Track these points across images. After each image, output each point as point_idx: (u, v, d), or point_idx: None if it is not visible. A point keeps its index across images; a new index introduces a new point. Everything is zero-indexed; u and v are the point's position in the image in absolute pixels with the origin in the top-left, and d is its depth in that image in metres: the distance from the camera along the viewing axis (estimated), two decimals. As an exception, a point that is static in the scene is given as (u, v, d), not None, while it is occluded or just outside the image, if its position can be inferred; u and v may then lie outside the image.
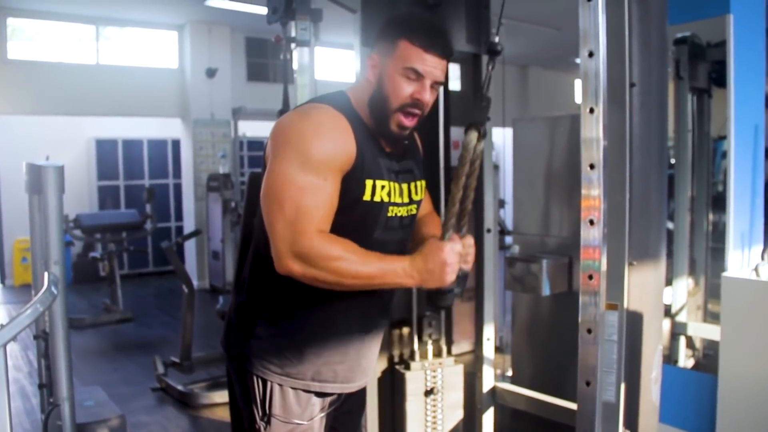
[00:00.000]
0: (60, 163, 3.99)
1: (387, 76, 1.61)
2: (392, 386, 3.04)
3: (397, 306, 3.07)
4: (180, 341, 4.78)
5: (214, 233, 8.22)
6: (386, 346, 3.05)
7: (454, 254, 1.58)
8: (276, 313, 1.70)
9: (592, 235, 1.66)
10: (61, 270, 3.76)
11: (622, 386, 1.94)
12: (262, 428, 1.68)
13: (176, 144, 9.38)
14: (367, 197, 1.61)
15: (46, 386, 3.74)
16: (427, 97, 1.63)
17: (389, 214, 1.67)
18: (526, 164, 4.07)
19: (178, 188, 9.60)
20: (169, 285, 8.71)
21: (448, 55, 1.63)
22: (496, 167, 5.24)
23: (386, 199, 1.64)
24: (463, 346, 3.19)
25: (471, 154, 1.65)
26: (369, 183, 1.60)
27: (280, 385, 1.68)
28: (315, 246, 1.51)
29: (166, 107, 8.66)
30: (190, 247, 8.80)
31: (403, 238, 1.75)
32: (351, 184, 1.58)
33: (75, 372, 5.12)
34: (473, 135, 1.65)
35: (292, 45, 2.78)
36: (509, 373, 4.34)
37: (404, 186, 1.71)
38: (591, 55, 1.64)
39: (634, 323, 2.01)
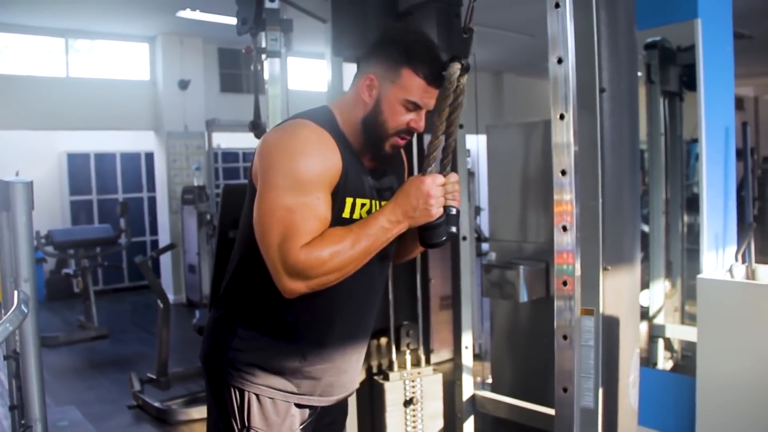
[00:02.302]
0: (29, 179, 3.91)
1: (387, 102, 1.61)
2: (371, 397, 3.02)
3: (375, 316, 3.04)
4: (156, 357, 4.71)
5: (189, 246, 8.14)
6: (365, 357, 3.02)
7: (435, 186, 1.58)
8: (255, 326, 1.69)
9: (565, 240, 1.65)
10: (32, 288, 3.68)
11: (600, 391, 1.93)
12: None
13: (150, 157, 9.29)
14: (346, 215, 1.60)
15: (18, 408, 3.66)
16: (423, 126, 1.65)
17: None
18: (501, 170, 4.07)
19: (152, 202, 9.50)
20: (145, 300, 8.60)
21: (442, 85, 1.65)
22: (471, 174, 5.24)
23: (366, 217, 1.63)
24: (441, 354, 3.17)
25: (454, 86, 1.64)
26: (349, 201, 1.60)
27: (257, 395, 1.66)
28: (302, 260, 1.50)
29: (139, 120, 8.57)
30: (165, 261, 8.70)
31: (384, 255, 1.74)
32: (333, 201, 1.58)
33: (49, 391, 5.04)
34: (456, 67, 1.62)
35: (263, 56, 2.75)
36: (489, 380, 4.33)
37: (383, 204, 1.70)
38: (560, 61, 1.64)
39: (610, 328, 2.00)
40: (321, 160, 1.54)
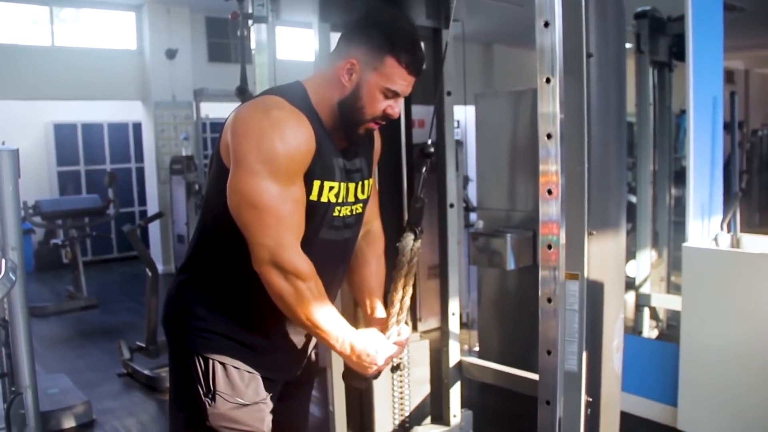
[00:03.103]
0: (14, 147, 3.89)
1: (367, 88, 1.61)
2: (359, 363, 3.04)
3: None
4: (145, 325, 4.72)
5: (178, 216, 8.11)
6: (352, 323, 3.04)
7: (386, 360, 1.68)
8: (219, 297, 1.70)
9: (550, 204, 1.66)
10: (20, 256, 3.68)
11: (584, 355, 1.96)
12: (208, 405, 1.67)
13: (137, 127, 9.21)
14: (313, 197, 1.60)
15: (7, 375, 3.67)
16: (398, 112, 1.67)
17: (335, 214, 1.67)
18: (490, 139, 4.08)
19: (140, 172, 9.44)
20: (134, 270, 8.59)
21: (421, 73, 1.67)
22: (459, 143, 5.24)
23: (333, 200, 1.65)
24: (429, 323, 3.19)
25: (408, 258, 1.72)
26: (317, 183, 1.60)
27: (222, 363, 1.68)
28: (297, 262, 1.53)
29: (126, 90, 8.48)
30: (154, 231, 8.68)
31: (348, 237, 1.76)
32: (303, 182, 1.59)
33: (39, 360, 5.05)
34: (410, 238, 1.73)
35: (249, 22, 2.71)
36: (476, 348, 4.38)
37: (351, 185, 1.71)
38: (546, 25, 1.63)
39: (595, 292, 2.02)
40: (298, 146, 1.54)
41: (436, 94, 2.97)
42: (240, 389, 1.69)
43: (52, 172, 9.34)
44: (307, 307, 1.55)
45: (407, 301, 1.75)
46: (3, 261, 2.91)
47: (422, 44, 1.66)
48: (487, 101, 4.16)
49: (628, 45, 4.29)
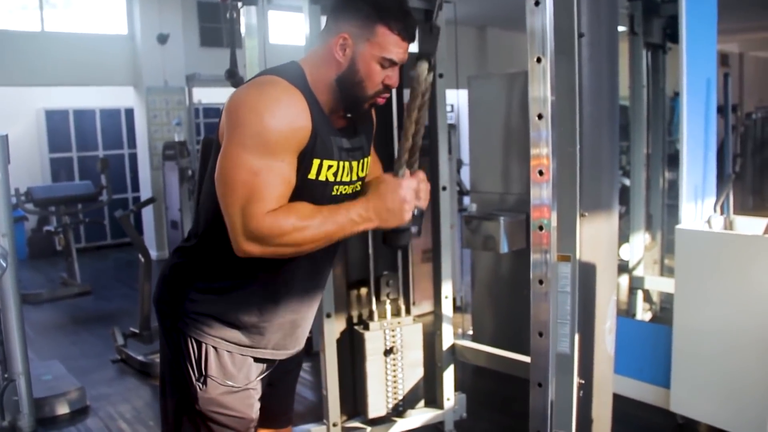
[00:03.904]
0: (3, 133, 3.87)
1: (362, 60, 1.59)
2: (351, 347, 3.05)
3: (355, 266, 3.06)
4: (139, 312, 4.71)
5: (171, 202, 8.07)
6: (344, 307, 3.05)
7: (410, 190, 1.60)
8: (213, 280, 1.68)
9: (541, 186, 1.65)
10: (11, 242, 3.68)
11: (576, 337, 1.95)
12: (198, 389, 1.66)
13: (130, 113, 9.15)
14: (312, 176, 1.58)
15: (0, 362, 3.67)
16: (397, 82, 1.63)
17: (334, 193, 1.65)
18: (483, 122, 4.07)
19: (133, 158, 9.40)
20: (128, 257, 8.57)
21: (415, 39, 1.64)
22: (452, 126, 5.22)
23: (332, 179, 1.62)
24: (423, 307, 3.19)
25: (422, 87, 1.64)
26: (316, 162, 1.58)
27: (215, 347, 1.67)
28: (265, 226, 1.49)
29: (117, 75, 8.41)
30: (148, 217, 8.65)
31: None
32: (301, 162, 1.56)
33: (33, 347, 5.05)
34: (424, 66, 1.62)
35: (239, 4, 2.69)
36: (470, 332, 4.39)
37: (354, 164, 1.69)
38: (537, 3, 1.61)
39: (587, 274, 2.02)
40: (291, 121, 1.51)
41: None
42: (232, 373, 1.69)
43: (44, 159, 9.28)
44: (308, 240, 1.52)
45: (419, 141, 1.68)
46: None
47: (411, 11, 1.63)
48: (479, 84, 4.15)
49: (621, 28, 4.27)
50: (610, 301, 2.13)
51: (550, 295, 1.70)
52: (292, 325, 1.78)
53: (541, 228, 1.66)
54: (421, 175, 1.67)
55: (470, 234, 3.59)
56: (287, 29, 9.24)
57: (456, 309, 5.16)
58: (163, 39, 8.28)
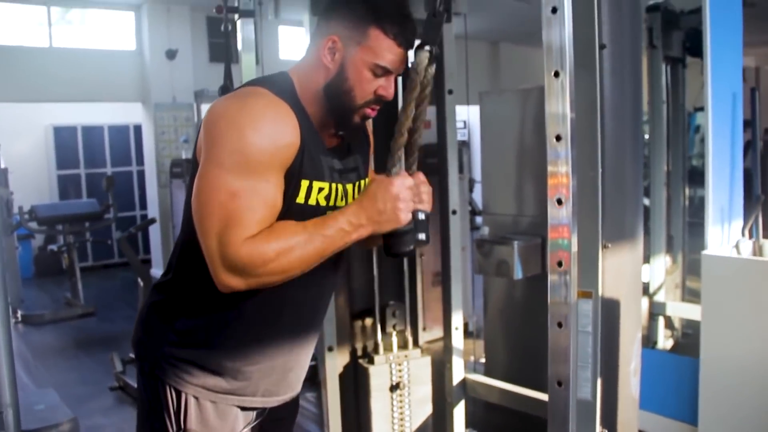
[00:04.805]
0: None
1: (352, 67, 1.41)
2: (355, 382, 2.86)
3: (359, 295, 2.88)
4: (139, 336, 4.55)
5: (179, 221, 7.91)
6: (348, 339, 2.86)
7: (405, 189, 1.39)
8: (194, 319, 1.50)
9: (560, 215, 1.46)
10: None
11: (599, 381, 1.76)
12: None
13: (138, 129, 9.04)
14: (300, 200, 1.40)
15: (-10, 392, 3.51)
16: (392, 93, 1.44)
17: None
18: (495, 140, 3.87)
19: (141, 175, 9.28)
20: (135, 276, 8.37)
21: (413, 46, 1.45)
22: (464, 144, 5.05)
23: (324, 203, 1.44)
24: (433, 332, 3.00)
25: (421, 77, 1.44)
26: (305, 184, 1.39)
27: (196, 397, 1.49)
28: (244, 255, 1.30)
29: (125, 91, 8.32)
30: (155, 236, 8.51)
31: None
32: (287, 183, 1.38)
33: (30, 372, 4.89)
34: (424, 55, 1.43)
35: (236, 16, 2.53)
36: (483, 360, 4.18)
37: (348, 187, 1.51)
38: (555, 11, 1.43)
39: (610, 311, 1.83)
40: (276, 137, 1.33)
41: (437, 93, 2.79)
42: (214, 426, 1.51)
43: (52, 176, 9.21)
44: (296, 265, 1.34)
45: (418, 139, 1.48)
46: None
47: (412, 13, 1.45)
48: (492, 100, 3.96)
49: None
50: (635, 339, 1.94)
51: (570, 339, 1.51)
52: (284, 369, 1.59)
53: (560, 264, 1.46)
54: (421, 176, 1.47)
55: (482, 259, 3.39)
56: (299, 43, 9.12)
57: (468, 334, 4.97)
58: (171, 55, 8.19)
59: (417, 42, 1.45)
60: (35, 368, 5.01)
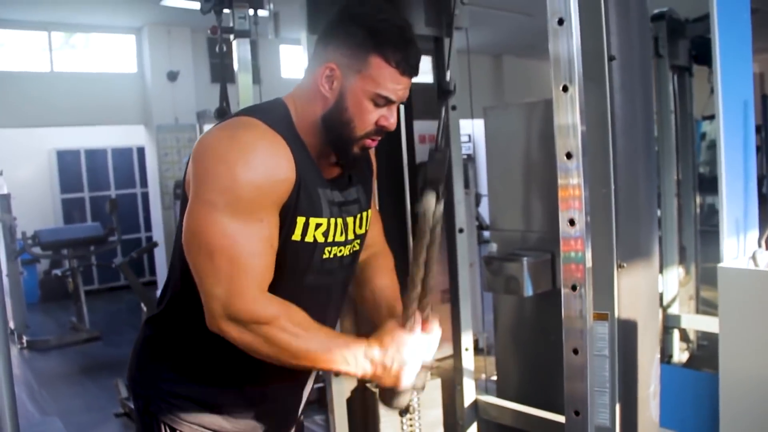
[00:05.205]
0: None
1: (352, 97, 1.33)
2: (363, 407, 2.77)
3: (366, 318, 2.79)
4: (144, 362, 4.48)
5: (183, 243, 7.89)
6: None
7: (415, 352, 1.35)
8: (189, 355, 1.45)
9: (573, 237, 1.38)
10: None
11: (617, 407, 1.68)
12: None
13: (141, 152, 9.05)
14: (296, 237, 1.33)
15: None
16: (394, 124, 1.36)
17: (326, 256, 1.39)
18: (501, 155, 3.80)
19: (146, 197, 9.26)
20: (141, 299, 8.38)
21: (417, 72, 1.37)
22: (469, 158, 4.99)
23: (320, 240, 1.37)
24: (444, 350, 2.91)
25: (431, 222, 1.37)
26: (301, 221, 1.33)
27: None
28: (254, 310, 1.26)
29: (127, 114, 8.31)
30: (161, 258, 8.46)
31: (343, 279, 1.49)
32: (283, 221, 1.31)
33: (35, 400, 4.82)
34: (431, 198, 1.37)
35: (231, 36, 2.48)
36: (494, 377, 4.09)
37: (349, 220, 1.44)
38: (561, 22, 1.36)
39: (627, 333, 1.75)
40: (269, 173, 1.26)
41: (440, 109, 2.72)
42: None
43: (56, 200, 9.20)
44: (289, 349, 1.28)
45: (431, 281, 1.42)
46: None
47: (414, 38, 1.36)
48: (496, 115, 3.90)
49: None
50: (654, 361, 1.85)
51: (587, 365, 1.43)
52: (283, 407, 1.53)
53: (574, 288, 1.39)
54: (434, 324, 1.43)
55: (491, 276, 3.31)
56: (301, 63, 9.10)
57: (479, 351, 4.87)
58: (173, 76, 8.18)
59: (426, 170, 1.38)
60: (40, 395, 4.94)
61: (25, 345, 6.54)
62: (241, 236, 1.24)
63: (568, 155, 1.37)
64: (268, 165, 1.26)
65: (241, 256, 1.24)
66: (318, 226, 1.35)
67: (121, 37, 8.39)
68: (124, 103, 8.23)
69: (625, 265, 1.68)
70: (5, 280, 6.74)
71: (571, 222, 1.37)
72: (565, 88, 1.37)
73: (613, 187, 1.63)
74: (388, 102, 1.34)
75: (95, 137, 9.20)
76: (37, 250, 6.69)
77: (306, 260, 1.36)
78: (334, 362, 1.31)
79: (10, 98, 7.44)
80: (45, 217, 8.92)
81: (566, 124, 1.37)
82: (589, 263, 1.41)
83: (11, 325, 6.75)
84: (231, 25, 2.45)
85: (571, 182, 1.38)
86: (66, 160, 9.16)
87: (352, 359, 1.31)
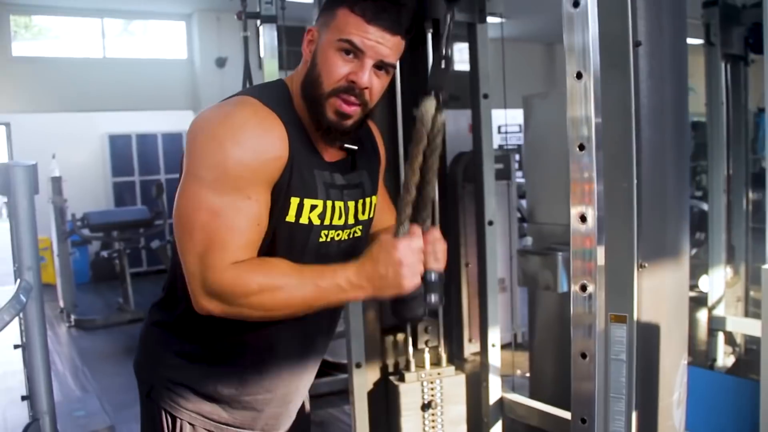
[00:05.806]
0: (31, 162, 3.76)
1: (322, 52, 1.29)
2: (386, 400, 2.73)
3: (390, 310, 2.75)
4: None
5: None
6: (378, 355, 2.74)
7: (411, 252, 1.26)
8: (191, 342, 1.43)
9: (584, 234, 1.30)
10: (36, 276, 3.49)
11: (634, 415, 1.59)
12: None
13: (191, 137, 9.16)
14: (290, 218, 1.29)
15: (29, 398, 3.53)
16: (365, 80, 1.27)
17: (321, 239, 1.35)
18: (540, 146, 3.70)
19: (194, 182, 9.40)
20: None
21: (398, 30, 1.28)
22: (519, 148, 4.89)
23: (317, 222, 1.32)
24: (478, 345, 2.84)
25: (428, 128, 1.30)
26: (294, 201, 1.29)
27: (192, 424, 1.41)
28: (226, 281, 1.21)
29: (177, 99, 8.44)
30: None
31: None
32: (275, 201, 1.28)
33: (77, 377, 4.93)
34: (431, 104, 1.30)
35: (257, 22, 2.44)
36: (528, 374, 4.01)
37: (350, 204, 1.39)
38: (576, 5, 1.28)
39: (648, 337, 1.65)
40: (259, 150, 1.23)
41: (472, 97, 2.65)
42: None
43: (107, 183, 9.40)
44: (278, 307, 1.25)
45: (430, 192, 1.35)
46: (18, 282, 2.74)
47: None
48: (536, 104, 3.79)
49: (697, 41, 3.86)
50: (680, 367, 1.75)
51: (597, 367, 1.35)
52: (284, 400, 1.49)
53: (584, 288, 1.31)
54: (435, 233, 1.34)
55: (525, 270, 3.23)
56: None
57: (517, 346, 4.78)
58: (221, 62, 8.26)
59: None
60: (82, 373, 5.06)
61: (72, 323, 6.71)
62: (224, 212, 1.21)
63: (581, 147, 1.29)
64: (259, 142, 1.24)
65: (219, 230, 1.21)
66: (313, 207, 1.31)
67: (171, 24, 8.51)
68: (174, 88, 8.36)
69: (646, 265, 1.58)
70: (56, 260, 6.93)
71: (582, 218, 1.29)
72: (579, 75, 1.29)
73: (635, 182, 1.53)
74: (356, 51, 1.26)
75: (146, 122, 9.36)
76: (86, 231, 6.85)
77: (301, 243, 1.33)
78: (328, 297, 1.26)
79: (65, 83, 7.64)
80: (97, 200, 9.12)
81: (579, 114, 1.29)
82: (601, 261, 1.33)
83: (60, 303, 6.96)
84: (258, 10, 2.41)
85: (584, 176, 1.30)
86: (118, 145, 9.34)
87: (346, 284, 1.25)
